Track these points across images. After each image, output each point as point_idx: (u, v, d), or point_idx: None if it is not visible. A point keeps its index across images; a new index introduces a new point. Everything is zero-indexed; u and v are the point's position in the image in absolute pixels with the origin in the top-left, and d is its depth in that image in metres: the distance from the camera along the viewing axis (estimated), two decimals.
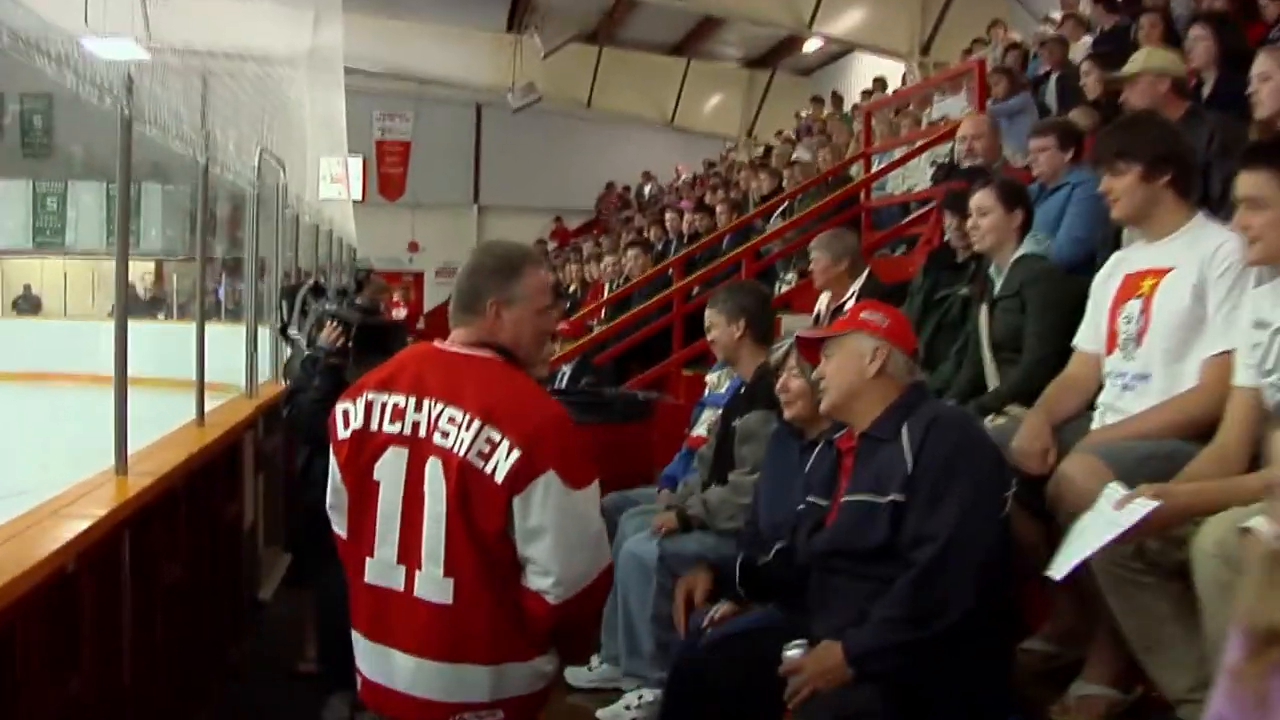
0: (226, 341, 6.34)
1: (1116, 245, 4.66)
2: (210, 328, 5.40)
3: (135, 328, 4.06)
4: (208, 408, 5.25)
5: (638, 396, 6.06)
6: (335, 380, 4.35)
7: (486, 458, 2.54)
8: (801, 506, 3.17)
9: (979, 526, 2.76)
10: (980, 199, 4.15)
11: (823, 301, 5.94)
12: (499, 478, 2.53)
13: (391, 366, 2.75)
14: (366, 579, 2.69)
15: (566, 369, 7.74)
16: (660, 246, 11.50)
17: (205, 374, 5.25)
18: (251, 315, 6.65)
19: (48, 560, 2.83)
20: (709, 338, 4.54)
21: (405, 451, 2.62)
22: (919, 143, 8.76)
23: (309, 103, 9.99)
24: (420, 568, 2.60)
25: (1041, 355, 3.84)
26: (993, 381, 4.08)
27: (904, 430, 2.88)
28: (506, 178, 24.91)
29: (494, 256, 2.77)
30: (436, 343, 2.79)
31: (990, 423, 3.90)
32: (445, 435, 2.58)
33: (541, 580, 2.55)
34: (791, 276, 9.06)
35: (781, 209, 9.89)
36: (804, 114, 17.86)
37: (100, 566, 3.32)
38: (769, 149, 14.46)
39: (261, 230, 7.13)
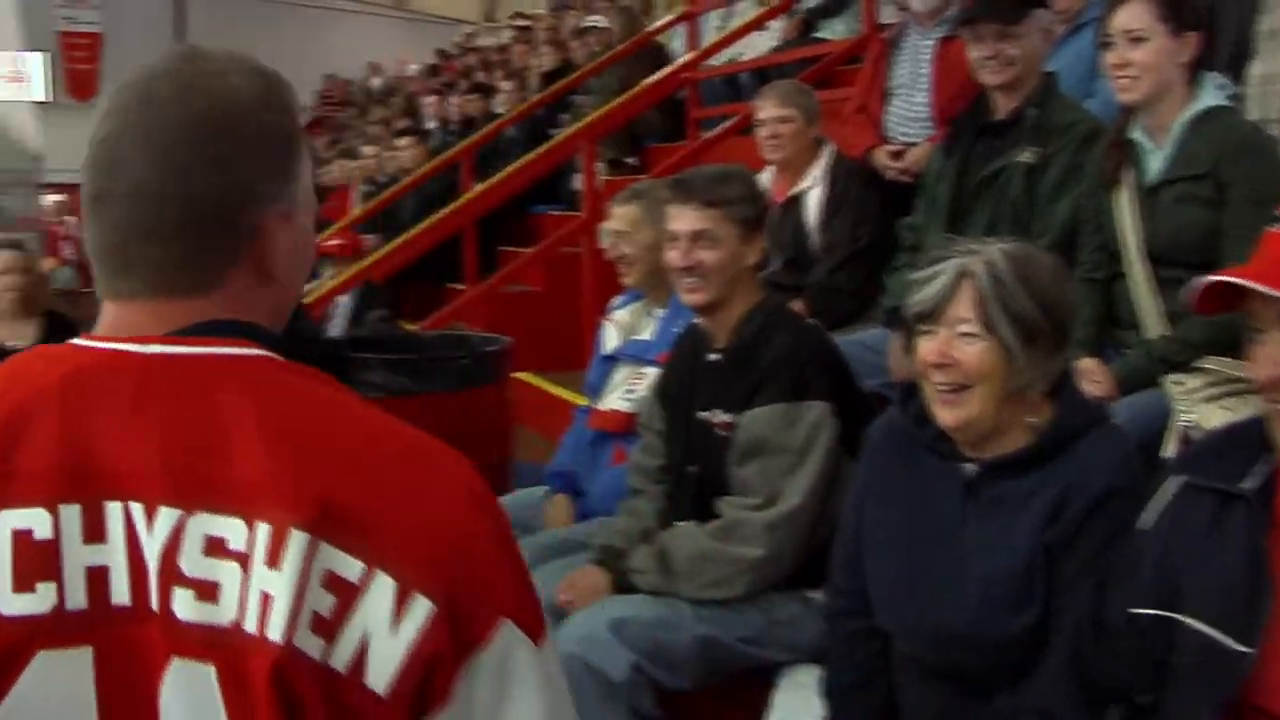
0: None
1: None
2: None
3: None
4: None
5: (483, 344, 4.10)
6: None
7: (331, 626, 0.86)
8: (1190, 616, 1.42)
9: None
10: (1128, 17, 2.51)
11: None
12: (380, 680, 0.86)
13: None
14: None
15: (344, 301, 5.81)
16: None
17: None
18: None
19: None
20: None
21: (86, 654, 0.89)
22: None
23: None
24: None
25: None
26: (1150, 315, 2.51)
27: None
28: None
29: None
30: (91, 342, 0.97)
31: (1179, 388, 2.36)
32: (208, 593, 0.87)
33: None
34: (600, 168, 7.34)
35: (583, 87, 8.13)
36: None
37: None
38: (526, 27, 12.53)
39: None
